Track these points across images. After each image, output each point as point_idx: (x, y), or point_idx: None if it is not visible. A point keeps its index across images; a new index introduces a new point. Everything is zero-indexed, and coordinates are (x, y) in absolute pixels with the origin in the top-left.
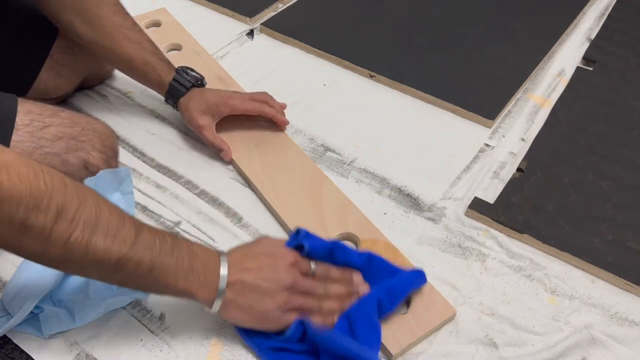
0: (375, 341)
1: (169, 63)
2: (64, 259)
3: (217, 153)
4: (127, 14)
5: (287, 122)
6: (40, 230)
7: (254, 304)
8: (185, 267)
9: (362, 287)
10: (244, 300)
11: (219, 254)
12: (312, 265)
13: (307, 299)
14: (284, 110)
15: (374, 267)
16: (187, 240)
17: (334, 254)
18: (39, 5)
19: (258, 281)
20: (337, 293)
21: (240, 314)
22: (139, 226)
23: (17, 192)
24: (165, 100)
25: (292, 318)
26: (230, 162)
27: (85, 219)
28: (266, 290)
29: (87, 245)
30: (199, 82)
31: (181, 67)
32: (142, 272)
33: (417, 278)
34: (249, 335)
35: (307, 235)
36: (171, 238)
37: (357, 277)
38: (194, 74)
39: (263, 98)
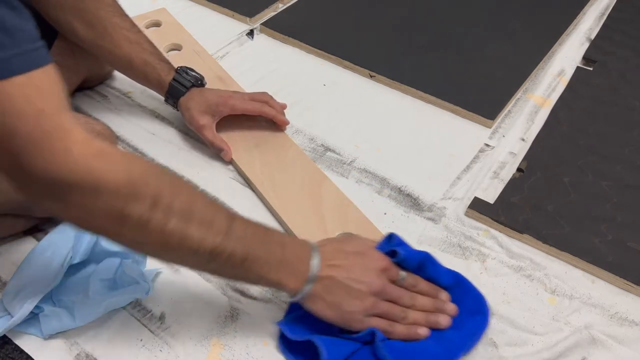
0: None
1: (168, 63)
2: (162, 247)
3: (217, 153)
4: (126, 15)
5: (287, 122)
6: (138, 219)
7: (341, 303)
8: (277, 257)
9: (449, 305)
10: (331, 297)
11: (310, 246)
12: (402, 273)
13: (393, 307)
14: (284, 111)
15: (458, 291)
16: (277, 231)
17: (423, 266)
18: (38, 7)
19: (348, 281)
20: (423, 305)
21: (325, 308)
22: (232, 217)
23: (114, 180)
24: (165, 100)
25: (374, 322)
26: (230, 162)
27: (180, 208)
28: (355, 291)
29: (183, 235)
30: (199, 82)
31: (181, 67)
32: (235, 263)
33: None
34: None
35: (401, 242)
36: (263, 229)
37: (445, 295)
38: (193, 73)
39: (263, 98)
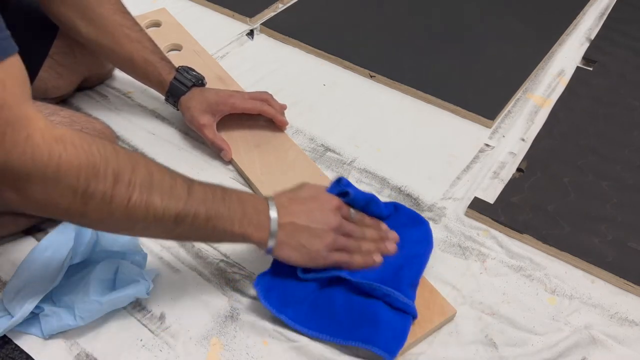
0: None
1: (169, 62)
2: (128, 221)
3: (217, 152)
4: (128, 13)
5: (286, 123)
6: (102, 196)
7: (305, 244)
8: (239, 213)
9: (391, 234)
10: (296, 240)
11: (266, 198)
12: (352, 211)
13: (349, 240)
14: (284, 111)
15: (397, 215)
16: (234, 189)
17: (368, 205)
18: (41, 3)
19: (309, 222)
20: (371, 236)
21: (292, 252)
22: (190, 182)
23: (76, 162)
24: (166, 100)
25: (337, 257)
26: (230, 162)
27: (140, 181)
28: (316, 231)
29: (147, 205)
30: (200, 82)
31: (182, 66)
32: (200, 224)
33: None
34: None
35: (349, 184)
36: (220, 189)
37: (385, 226)
38: (194, 73)
39: (263, 97)
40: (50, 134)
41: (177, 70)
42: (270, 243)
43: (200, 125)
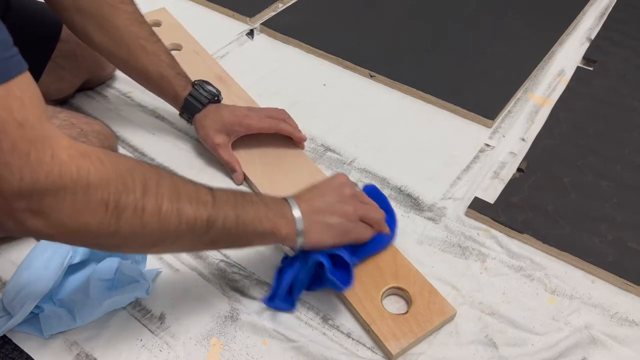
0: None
1: (185, 76)
2: (160, 232)
3: (230, 172)
4: (145, 23)
5: (304, 139)
6: (134, 208)
7: (330, 221)
8: (263, 210)
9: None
10: (320, 221)
11: (282, 197)
12: (356, 189)
13: (365, 206)
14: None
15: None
16: (251, 192)
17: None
18: (54, 10)
19: (326, 202)
20: (376, 214)
21: (321, 235)
22: (211, 188)
23: (105, 175)
24: (180, 115)
25: (362, 229)
26: (241, 184)
27: (167, 190)
28: (334, 206)
29: (179, 213)
30: (215, 98)
31: (197, 81)
32: (231, 226)
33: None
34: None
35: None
36: (239, 192)
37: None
38: (210, 88)
39: (280, 116)
40: (75, 151)
41: (193, 85)
42: (299, 234)
43: (215, 145)
